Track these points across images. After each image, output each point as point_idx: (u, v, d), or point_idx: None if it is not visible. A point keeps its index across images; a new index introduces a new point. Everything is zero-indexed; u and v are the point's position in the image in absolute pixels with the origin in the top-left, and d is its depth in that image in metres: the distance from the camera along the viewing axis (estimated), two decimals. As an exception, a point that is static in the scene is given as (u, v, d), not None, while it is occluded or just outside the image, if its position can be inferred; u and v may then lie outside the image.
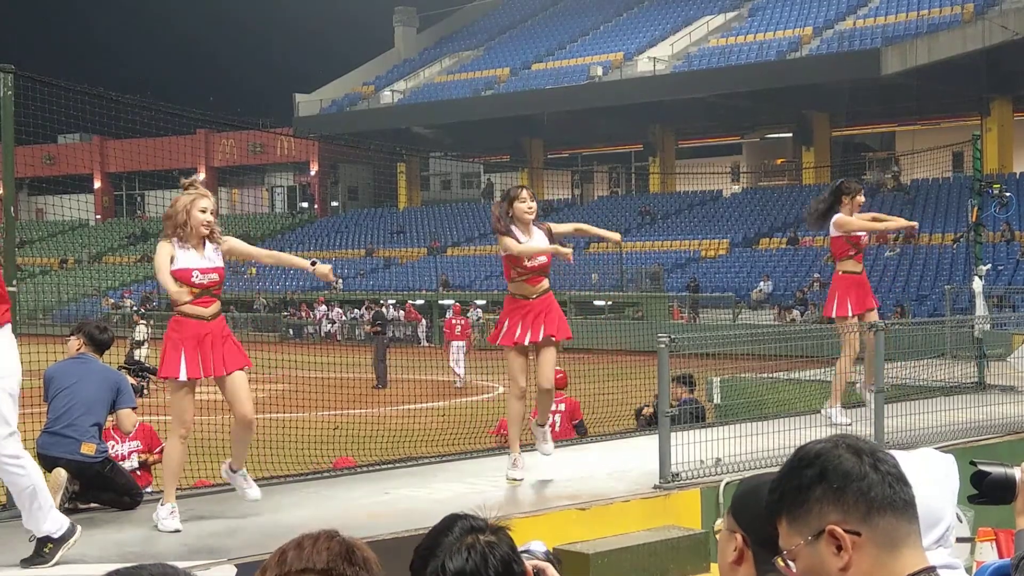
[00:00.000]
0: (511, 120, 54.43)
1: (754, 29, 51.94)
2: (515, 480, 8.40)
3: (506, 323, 8.42)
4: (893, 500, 2.20)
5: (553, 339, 8.43)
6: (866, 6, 50.36)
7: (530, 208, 8.39)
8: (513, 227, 8.38)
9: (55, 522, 6.26)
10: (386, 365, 28.11)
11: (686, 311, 40.51)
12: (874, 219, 11.17)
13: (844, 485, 2.19)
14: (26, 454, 6.23)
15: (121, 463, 8.54)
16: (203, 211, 7.20)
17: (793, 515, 2.24)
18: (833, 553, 2.18)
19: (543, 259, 8.42)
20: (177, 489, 7.34)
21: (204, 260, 7.22)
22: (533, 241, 8.39)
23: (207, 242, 7.27)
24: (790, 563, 2.26)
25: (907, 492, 2.22)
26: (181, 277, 7.15)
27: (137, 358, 25.06)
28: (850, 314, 10.58)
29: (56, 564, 6.21)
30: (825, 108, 51.08)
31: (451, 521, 2.43)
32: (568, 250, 8.62)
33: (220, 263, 7.32)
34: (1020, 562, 2.95)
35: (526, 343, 8.38)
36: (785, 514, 2.25)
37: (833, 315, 10.70)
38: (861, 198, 10.67)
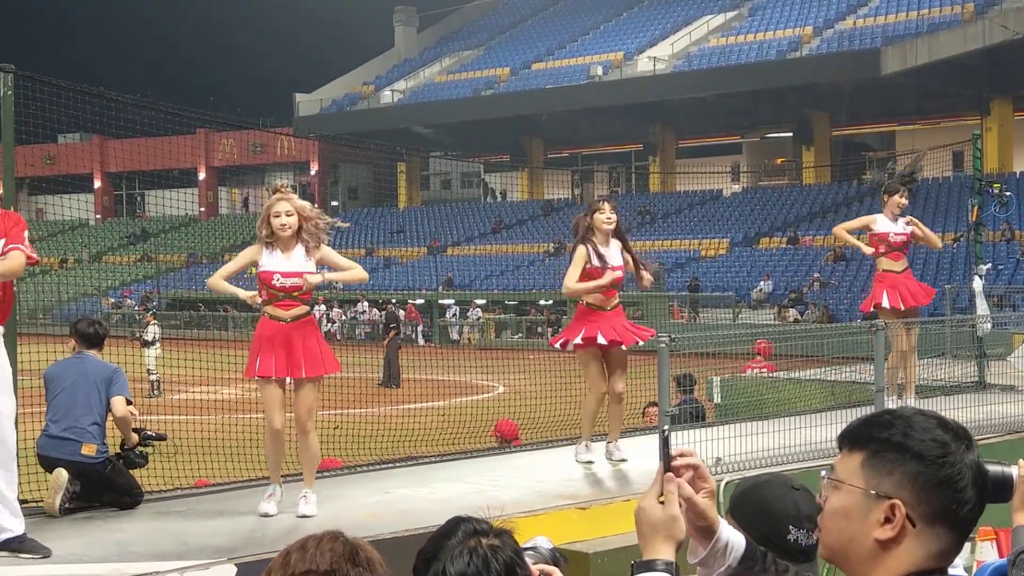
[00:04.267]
0: (511, 120, 54.40)
1: (754, 29, 51.93)
2: (588, 462, 8.72)
3: (582, 330, 8.63)
4: (964, 522, 2.11)
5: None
6: (866, 6, 50.34)
7: (608, 219, 8.63)
8: (594, 239, 8.59)
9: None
10: (399, 365, 28.32)
11: (686, 311, 40.49)
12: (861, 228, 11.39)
13: (940, 485, 2.08)
14: None
15: None
16: (276, 215, 7.29)
17: (871, 462, 2.12)
18: (880, 522, 2.08)
19: (619, 274, 8.72)
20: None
21: (289, 264, 7.28)
22: (609, 253, 8.63)
23: (300, 246, 7.31)
24: (829, 487, 2.16)
25: (975, 522, 2.13)
26: (263, 279, 7.28)
27: (151, 381, 24.81)
28: (887, 305, 10.73)
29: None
30: (825, 108, 51.07)
31: (454, 524, 2.38)
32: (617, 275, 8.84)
33: (308, 268, 7.32)
34: (1017, 558, 2.95)
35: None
36: (865, 455, 2.13)
37: (871, 308, 10.87)
38: (900, 199, 10.81)
